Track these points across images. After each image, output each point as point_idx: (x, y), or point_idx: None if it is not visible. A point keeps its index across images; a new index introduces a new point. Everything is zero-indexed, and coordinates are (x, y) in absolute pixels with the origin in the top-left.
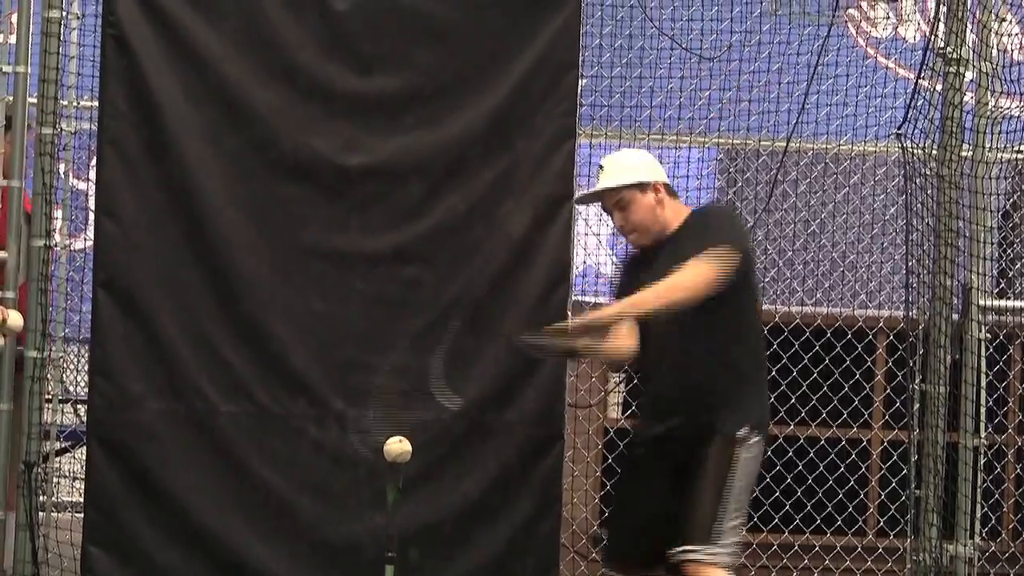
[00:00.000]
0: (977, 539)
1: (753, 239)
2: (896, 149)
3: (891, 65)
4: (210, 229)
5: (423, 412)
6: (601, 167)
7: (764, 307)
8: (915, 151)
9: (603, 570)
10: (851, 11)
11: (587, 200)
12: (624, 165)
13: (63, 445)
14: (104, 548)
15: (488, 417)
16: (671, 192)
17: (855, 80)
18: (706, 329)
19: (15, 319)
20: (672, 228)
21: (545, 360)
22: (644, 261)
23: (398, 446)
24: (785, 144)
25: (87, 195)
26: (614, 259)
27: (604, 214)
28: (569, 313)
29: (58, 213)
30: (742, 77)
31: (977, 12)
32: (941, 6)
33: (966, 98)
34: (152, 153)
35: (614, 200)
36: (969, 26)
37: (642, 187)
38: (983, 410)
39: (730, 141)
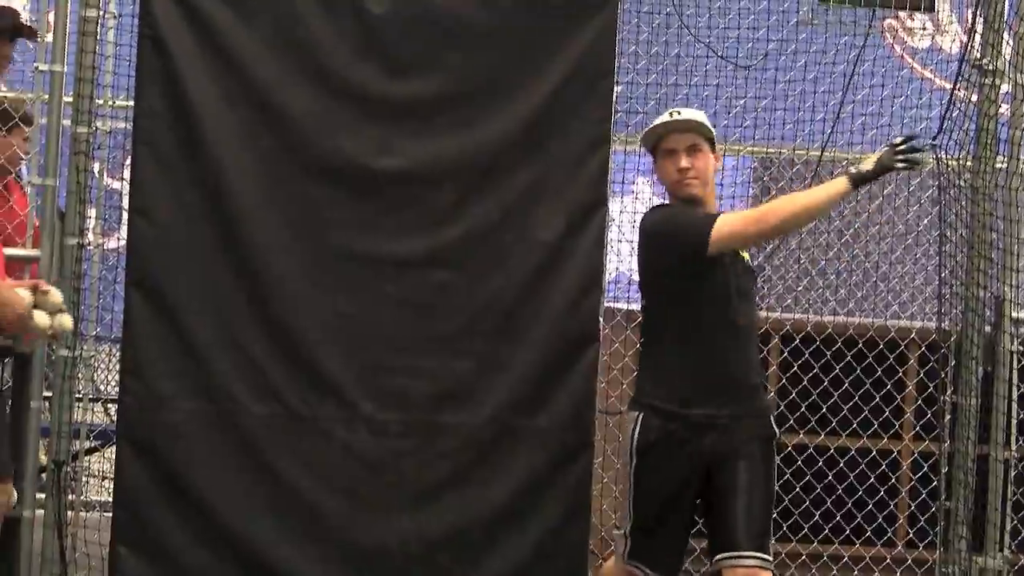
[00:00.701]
0: (1007, 552)
1: (786, 249)
2: (931, 160)
3: (928, 75)
4: (242, 230)
5: (450, 417)
6: (678, 112)
7: (796, 316)
8: (949, 162)
9: (629, 565)
10: (889, 21)
11: (664, 128)
12: (703, 119)
13: (93, 444)
14: (132, 548)
15: (518, 423)
16: None
17: (890, 90)
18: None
19: (66, 321)
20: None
21: (576, 366)
22: None
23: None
24: (820, 153)
25: (121, 194)
26: None
27: (637, 220)
28: (601, 320)
29: (91, 212)
30: (777, 86)
31: (1014, 24)
32: (978, 17)
33: (1001, 109)
34: (186, 153)
35: (690, 142)
36: (1006, 37)
37: (712, 146)
38: (1014, 423)
39: (765, 150)
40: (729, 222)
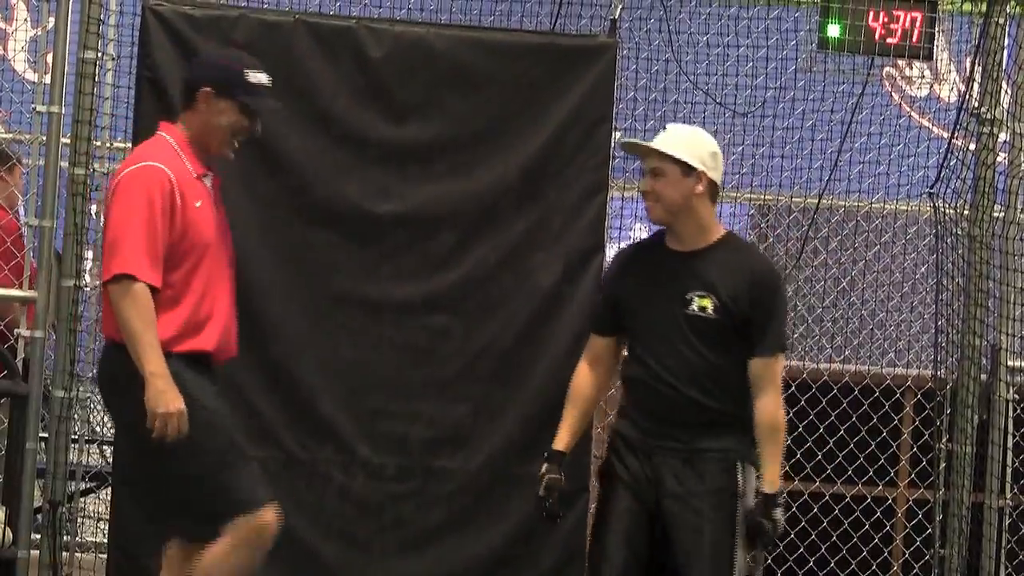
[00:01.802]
0: None
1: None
2: (928, 208)
3: (926, 124)
4: (241, 273)
5: (448, 461)
6: (666, 128)
7: (792, 363)
8: (947, 211)
9: None
10: (888, 69)
11: (629, 149)
12: (684, 140)
13: (88, 486)
14: None
15: (513, 468)
16: (713, 195)
17: (888, 139)
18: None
19: None
20: (707, 238)
21: None
22: (651, 258)
23: None
24: (817, 201)
25: None
26: None
27: None
28: None
29: (88, 254)
30: (775, 133)
31: (1012, 73)
32: (976, 66)
33: (999, 158)
34: None
35: (653, 164)
36: (1004, 87)
37: (686, 169)
38: (1009, 471)
39: (762, 197)
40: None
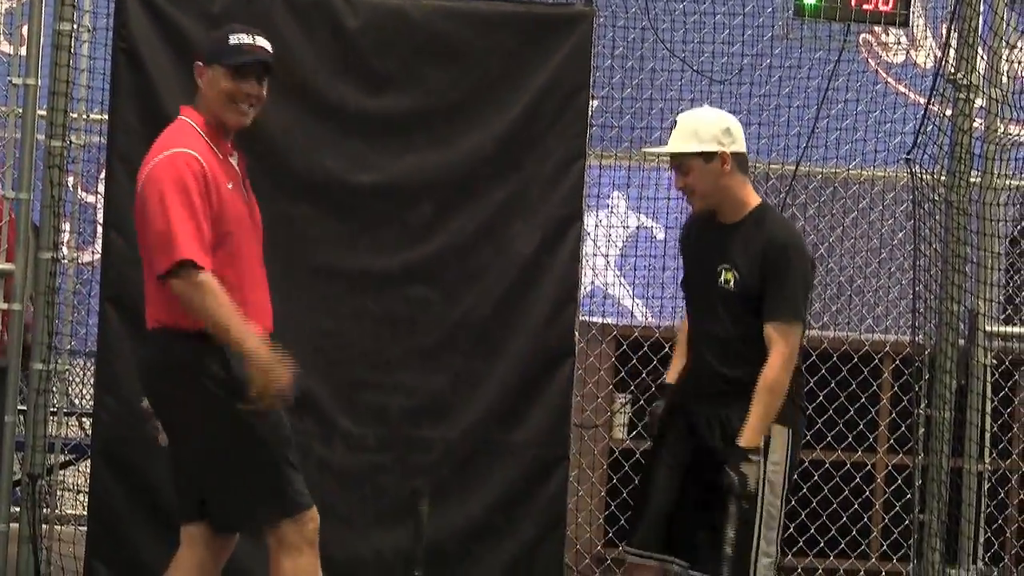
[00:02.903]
0: (980, 564)
1: None
2: (905, 174)
3: (903, 90)
4: None
5: (428, 431)
6: (675, 123)
7: None
8: (924, 177)
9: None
10: (864, 36)
11: (656, 155)
12: (694, 129)
13: (67, 458)
14: (106, 562)
15: (494, 437)
16: (742, 165)
17: (865, 105)
18: None
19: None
20: (741, 211)
21: (552, 380)
22: (706, 228)
23: None
24: (794, 168)
25: (95, 208)
26: (622, 280)
27: (612, 235)
28: (576, 335)
29: (66, 226)
30: (752, 100)
31: (988, 39)
32: (952, 32)
33: (975, 124)
34: None
35: (676, 163)
36: (980, 52)
37: (708, 156)
38: (987, 435)
39: None
40: (786, 359)
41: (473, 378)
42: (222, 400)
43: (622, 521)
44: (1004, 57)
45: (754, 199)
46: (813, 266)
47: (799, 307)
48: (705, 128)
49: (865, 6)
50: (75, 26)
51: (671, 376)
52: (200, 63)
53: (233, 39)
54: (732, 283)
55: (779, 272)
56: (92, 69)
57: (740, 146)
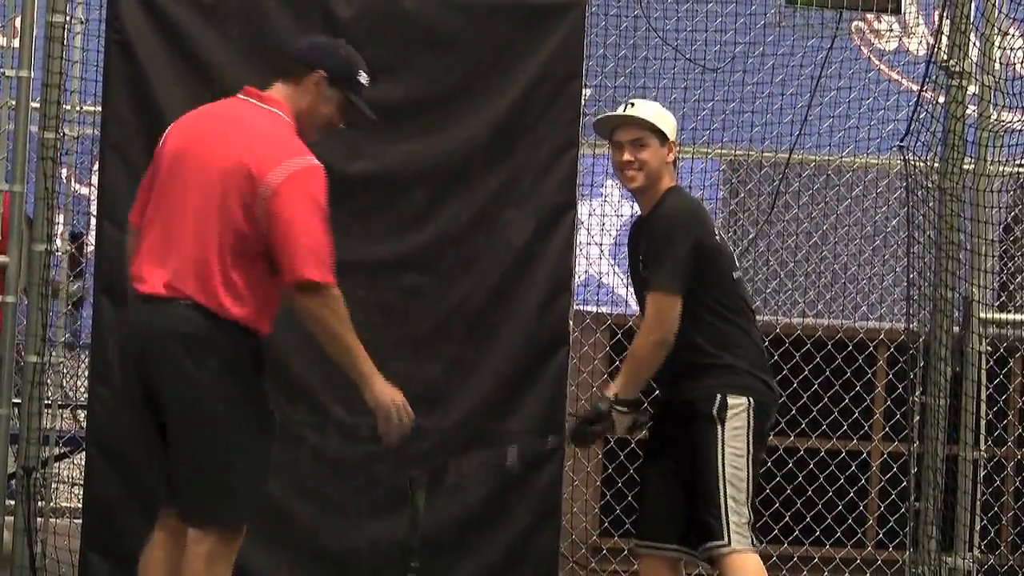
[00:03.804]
0: (976, 552)
1: (755, 251)
2: (898, 162)
3: (895, 77)
4: None
5: (423, 420)
6: (632, 103)
7: (765, 318)
8: (917, 164)
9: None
10: (856, 23)
11: (610, 122)
12: (656, 112)
13: (62, 450)
14: (102, 554)
15: (488, 426)
16: (674, 162)
17: (858, 93)
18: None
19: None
20: (655, 200)
21: (546, 370)
22: (638, 225)
23: None
24: (788, 156)
25: (89, 200)
26: (616, 269)
27: (605, 223)
28: (571, 323)
29: (59, 218)
30: (745, 88)
31: (981, 25)
32: (945, 19)
33: (968, 111)
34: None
35: (633, 136)
36: (972, 39)
37: (663, 138)
38: (983, 423)
39: (733, 152)
40: (650, 328)
41: (467, 367)
42: (251, 400)
43: (617, 510)
44: (996, 44)
45: (664, 187)
46: (701, 242)
47: (670, 276)
48: (663, 115)
49: None
50: (68, 18)
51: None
52: (324, 73)
53: (361, 77)
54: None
55: (655, 241)
56: (85, 60)
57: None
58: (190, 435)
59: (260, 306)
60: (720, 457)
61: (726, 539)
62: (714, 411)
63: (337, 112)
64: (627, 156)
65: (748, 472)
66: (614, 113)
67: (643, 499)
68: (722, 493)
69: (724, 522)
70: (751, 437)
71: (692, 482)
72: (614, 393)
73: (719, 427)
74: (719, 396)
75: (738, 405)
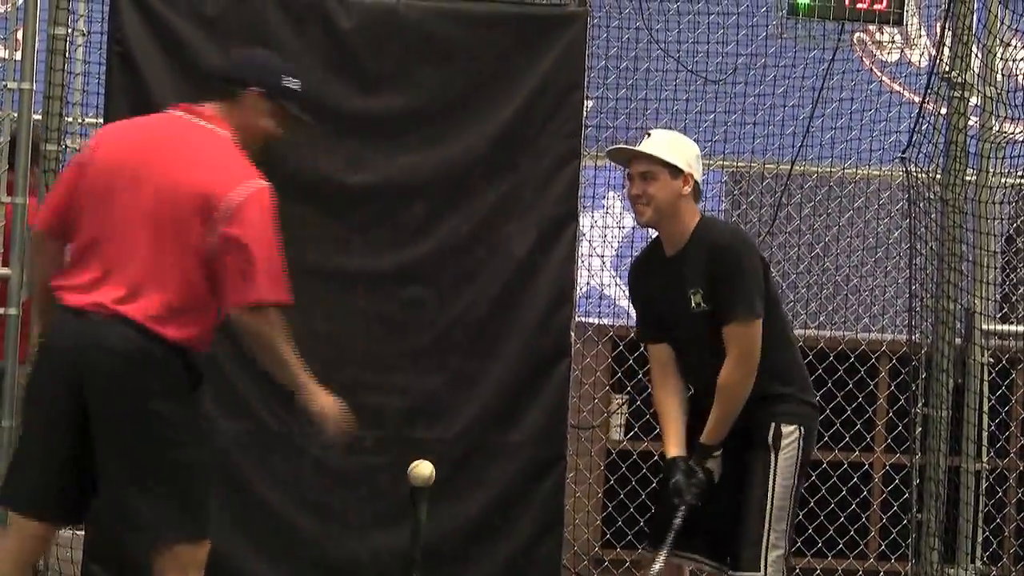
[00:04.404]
0: (978, 563)
1: None
2: (900, 173)
3: (898, 88)
4: None
5: (424, 432)
6: (648, 134)
7: None
8: (919, 175)
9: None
10: (859, 34)
11: (621, 155)
12: (670, 144)
13: None
14: (104, 565)
15: (490, 438)
16: (696, 195)
17: (860, 104)
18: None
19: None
20: (685, 235)
21: (548, 381)
22: (655, 266)
23: (424, 468)
24: (790, 167)
25: None
26: (618, 281)
27: (607, 235)
28: (572, 335)
29: None
30: (747, 100)
31: (983, 37)
32: (947, 31)
33: (970, 122)
34: None
35: (643, 169)
36: (974, 50)
37: (675, 171)
38: (985, 434)
39: (734, 164)
40: (742, 359)
41: (468, 379)
42: (191, 414)
43: (620, 522)
44: (999, 55)
45: (695, 218)
46: (765, 263)
47: (753, 304)
48: (679, 146)
49: (859, 5)
50: (70, 30)
51: (673, 447)
52: (260, 90)
53: (290, 83)
54: (704, 303)
55: (727, 273)
56: (87, 73)
57: (699, 176)
58: (136, 457)
59: (204, 327)
60: (771, 488)
61: (762, 571)
62: (769, 439)
63: (275, 124)
64: (635, 190)
65: (791, 505)
66: (623, 146)
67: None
68: (767, 525)
69: (763, 554)
70: (798, 468)
71: (736, 506)
72: (707, 442)
73: (772, 455)
74: (774, 425)
75: (791, 434)
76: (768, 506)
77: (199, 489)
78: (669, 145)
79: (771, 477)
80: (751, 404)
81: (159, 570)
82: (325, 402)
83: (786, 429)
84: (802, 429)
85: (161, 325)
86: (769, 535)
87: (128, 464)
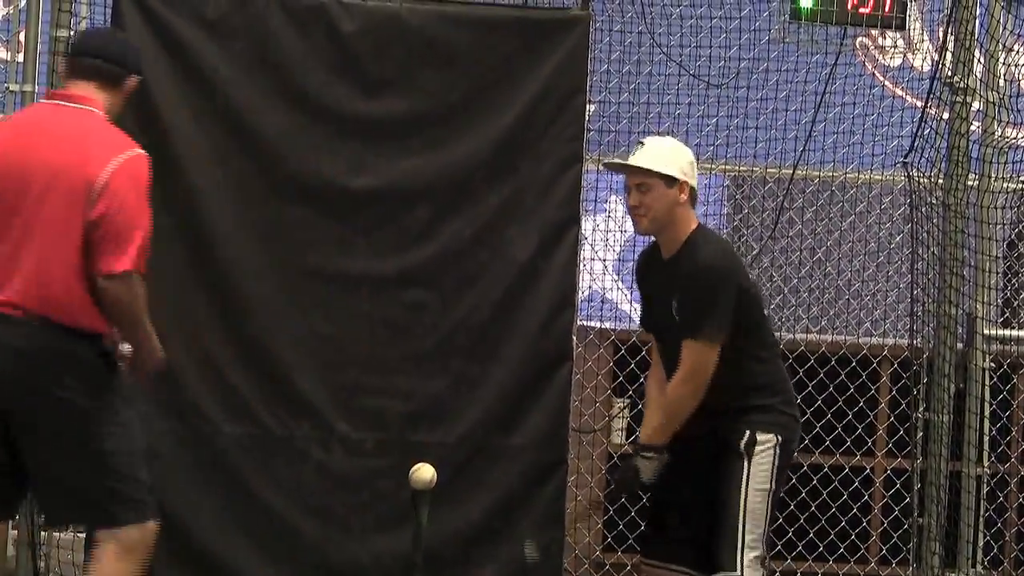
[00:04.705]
0: (979, 568)
1: (759, 266)
2: (902, 178)
3: (900, 93)
4: (217, 251)
5: (426, 435)
6: (641, 143)
7: None
8: (921, 180)
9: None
10: (861, 39)
11: (614, 168)
12: (663, 153)
13: None
14: None
15: (492, 441)
16: (692, 199)
17: (862, 109)
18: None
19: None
20: (679, 241)
21: (549, 385)
22: (655, 264)
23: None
24: (792, 172)
25: None
26: (620, 284)
27: (609, 239)
28: (574, 339)
29: None
30: (749, 104)
31: (985, 42)
32: (949, 36)
33: (973, 127)
34: (158, 174)
35: (638, 180)
36: (977, 55)
37: (670, 181)
38: (986, 439)
39: (737, 168)
40: (687, 377)
41: (471, 382)
42: (112, 400)
43: (621, 526)
44: (1001, 60)
45: (691, 226)
46: (750, 286)
47: (712, 329)
48: (673, 154)
49: (862, 9)
50: (72, 32)
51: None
52: (136, 77)
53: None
54: (678, 312)
55: (697, 292)
56: None
57: (695, 182)
58: (67, 450)
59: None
60: (744, 492)
61: (739, 572)
62: (742, 446)
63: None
64: (632, 201)
65: (768, 509)
66: (615, 160)
67: (655, 521)
68: (741, 528)
69: (739, 556)
70: (775, 474)
71: (712, 512)
72: (644, 441)
73: (746, 462)
74: (748, 432)
75: (767, 442)
76: (741, 510)
77: (129, 473)
78: (662, 154)
79: (744, 482)
80: (728, 416)
81: (98, 555)
82: (155, 345)
83: (762, 437)
84: (779, 438)
85: (67, 317)
86: (744, 537)
87: (52, 461)
